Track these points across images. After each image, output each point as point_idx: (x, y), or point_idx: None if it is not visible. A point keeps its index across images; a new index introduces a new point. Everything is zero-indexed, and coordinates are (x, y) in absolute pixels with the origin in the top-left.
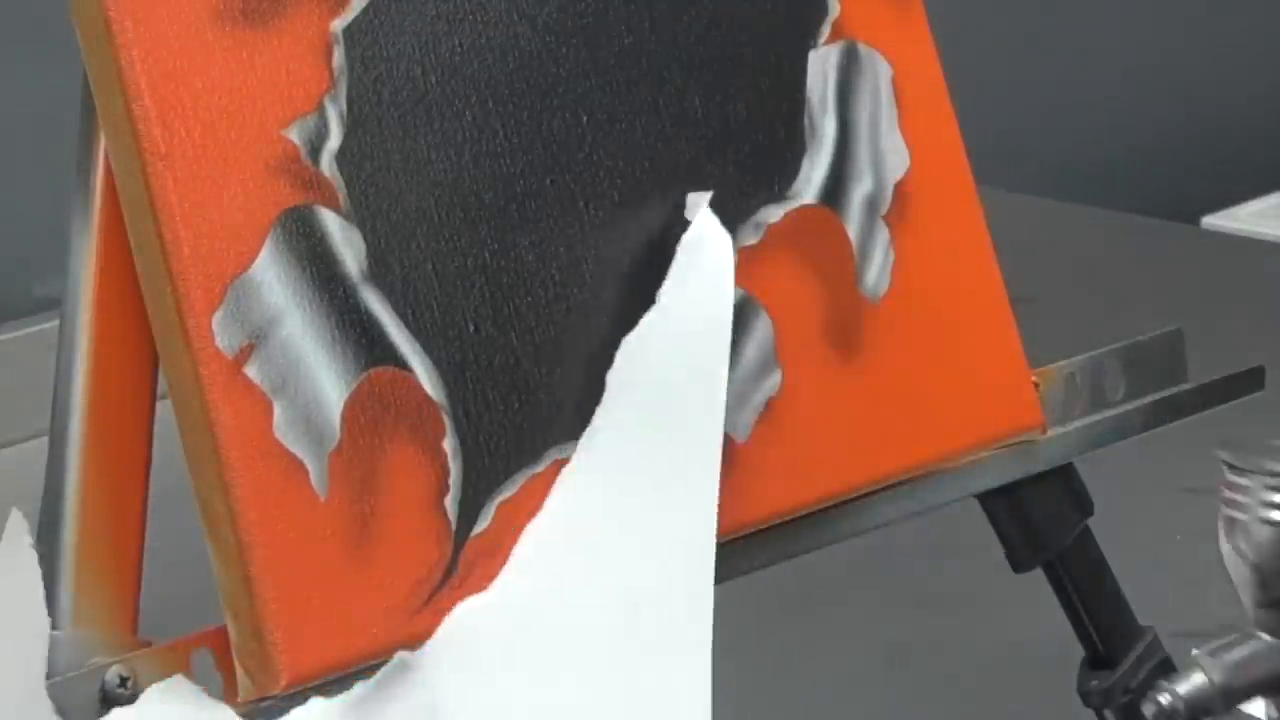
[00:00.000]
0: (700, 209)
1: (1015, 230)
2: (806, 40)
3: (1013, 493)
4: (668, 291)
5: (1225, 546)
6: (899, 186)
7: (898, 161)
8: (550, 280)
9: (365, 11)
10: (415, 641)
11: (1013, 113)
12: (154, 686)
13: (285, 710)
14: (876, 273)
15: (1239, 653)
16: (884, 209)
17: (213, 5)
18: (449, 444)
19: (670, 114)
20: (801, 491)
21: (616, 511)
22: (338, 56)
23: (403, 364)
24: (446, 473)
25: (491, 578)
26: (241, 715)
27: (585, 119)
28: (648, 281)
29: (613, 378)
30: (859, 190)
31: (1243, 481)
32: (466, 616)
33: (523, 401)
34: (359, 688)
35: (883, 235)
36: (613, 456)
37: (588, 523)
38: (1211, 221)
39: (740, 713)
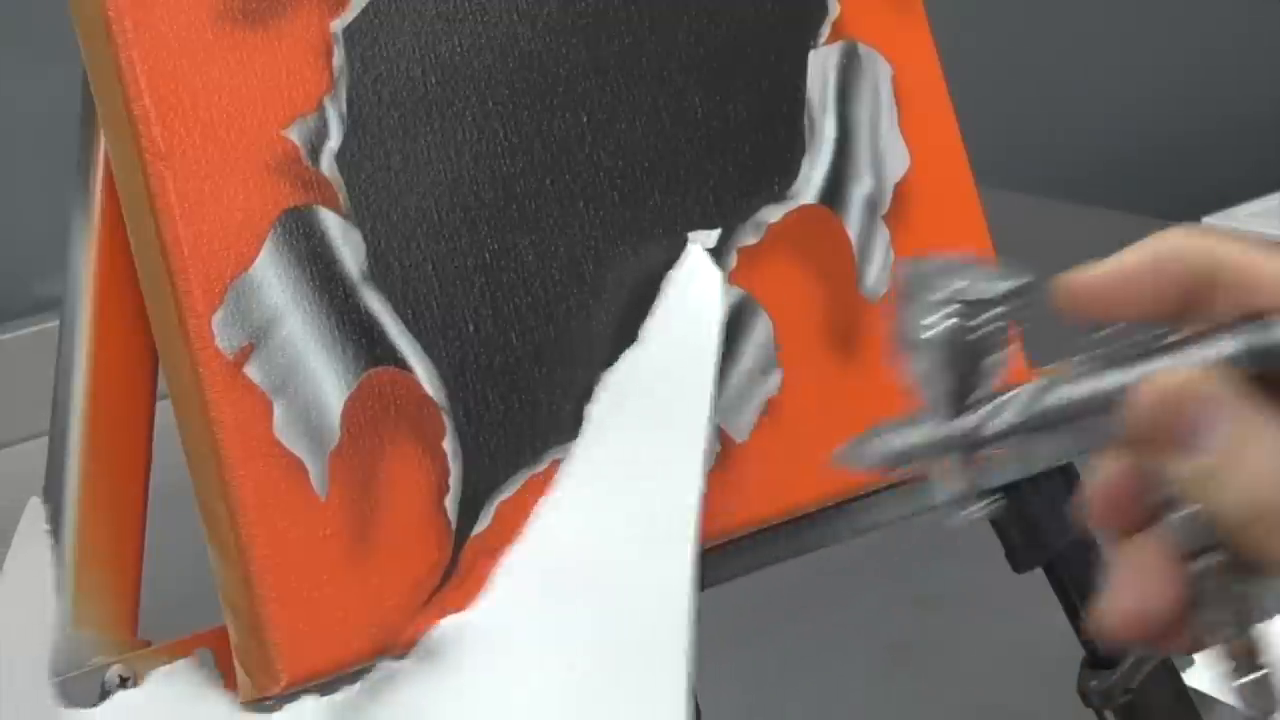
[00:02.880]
0: (692, 246)
1: (1015, 230)
2: (806, 40)
3: (1013, 493)
4: (652, 327)
5: (903, 356)
6: (899, 186)
7: (898, 161)
8: (550, 280)
9: (365, 11)
10: (415, 642)
11: (1013, 113)
12: (159, 670)
13: (279, 706)
14: (876, 273)
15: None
16: (884, 209)
17: (213, 5)
18: (449, 444)
19: (670, 114)
20: (801, 491)
21: (593, 542)
22: (338, 57)
23: (403, 364)
24: (446, 473)
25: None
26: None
27: (585, 119)
28: (648, 282)
29: (592, 411)
30: (859, 190)
31: (916, 299)
32: (447, 631)
33: (523, 401)
34: (343, 693)
35: (883, 235)
36: (591, 488)
37: (564, 552)
38: (1211, 221)
39: (741, 713)
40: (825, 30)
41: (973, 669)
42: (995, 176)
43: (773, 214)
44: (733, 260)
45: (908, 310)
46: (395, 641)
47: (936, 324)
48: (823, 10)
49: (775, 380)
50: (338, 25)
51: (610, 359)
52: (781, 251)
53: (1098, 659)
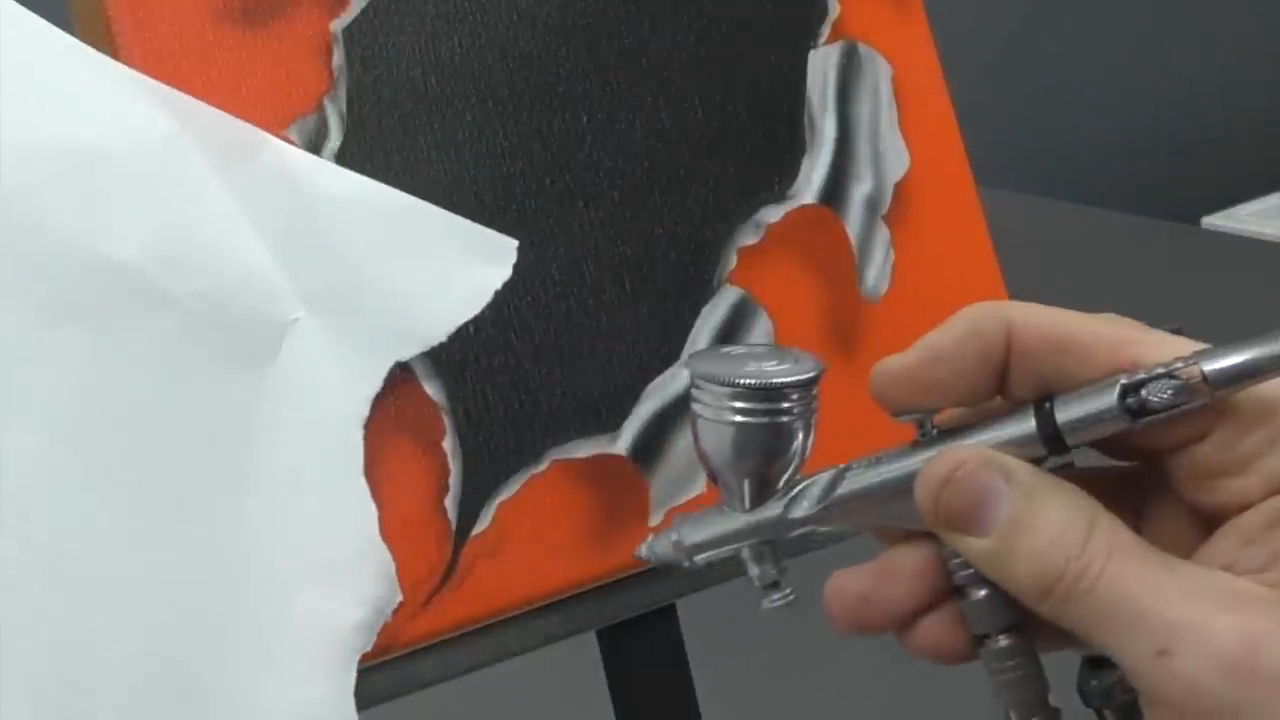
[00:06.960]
0: None
1: (1015, 230)
2: (806, 40)
3: None
4: None
5: (698, 447)
6: (899, 186)
7: (898, 161)
8: (550, 280)
9: (365, 11)
10: (415, 642)
11: (1012, 113)
12: None
13: None
14: (876, 273)
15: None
16: (884, 209)
17: (213, 5)
18: (449, 444)
19: (670, 114)
20: None
21: None
22: (337, 57)
23: (403, 364)
24: (446, 473)
25: (491, 579)
26: None
27: (585, 119)
28: (647, 281)
29: None
30: (859, 190)
31: (708, 388)
32: None
33: (523, 401)
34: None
35: (883, 235)
36: None
37: None
38: (1211, 221)
39: (742, 713)
40: (825, 30)
41: (972, 669)
42: (995, 176)
43: (773, 214)
44: (733, 260)
45: (701, 401)
46: (395, 641)
47: (731, 414)
48: (823, 10)
49: None
50: (338, 25)
51: (611, 359)
52: (781, 251)
53: (1098, 658)
